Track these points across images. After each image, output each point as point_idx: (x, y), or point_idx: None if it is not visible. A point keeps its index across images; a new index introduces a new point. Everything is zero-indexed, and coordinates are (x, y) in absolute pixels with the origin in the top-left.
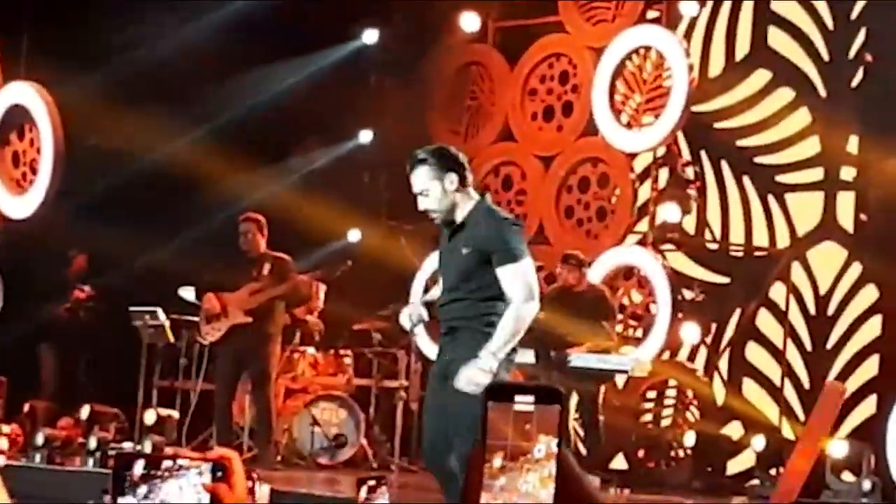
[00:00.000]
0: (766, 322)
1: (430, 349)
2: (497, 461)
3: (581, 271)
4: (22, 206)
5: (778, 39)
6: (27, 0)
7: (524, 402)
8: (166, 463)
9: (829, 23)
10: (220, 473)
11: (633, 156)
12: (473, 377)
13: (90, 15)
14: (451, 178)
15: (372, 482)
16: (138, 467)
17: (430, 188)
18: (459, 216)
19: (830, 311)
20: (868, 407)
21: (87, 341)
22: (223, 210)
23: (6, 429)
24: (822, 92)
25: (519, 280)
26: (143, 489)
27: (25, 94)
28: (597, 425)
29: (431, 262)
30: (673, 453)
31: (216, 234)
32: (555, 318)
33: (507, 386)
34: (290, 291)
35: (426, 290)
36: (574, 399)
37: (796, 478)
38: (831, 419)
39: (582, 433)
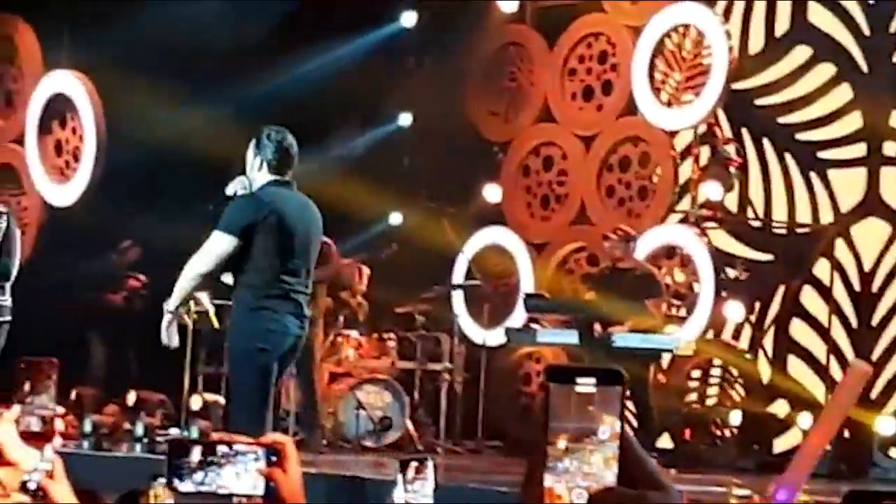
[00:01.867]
0: (810, 299)
1: (474, 331)
2: (560, 443)
3: (628, 246)
4: (65, 194)
5: (818, 15)
6: None
7: (586, 385)
8: (222, 449)
9: None
10: (274, 458)
11: (673, 134)
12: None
13: (130, 1)
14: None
15: (415, 463)
16: (195, 454)
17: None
18: None
19: (875, 287)
20: None
21: (141, 329)
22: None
23: (61, 410)
24: (864, 67)
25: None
26: (200, 475)
27: (67, 82)
28: (648, 406)
29: (472, 244)
30: (718, 432)
31: None
32: (600, 297)
33: (569, 369)
34: (334, 275)
35: None
36: None
37: (810, 459)
38: (852, 400)
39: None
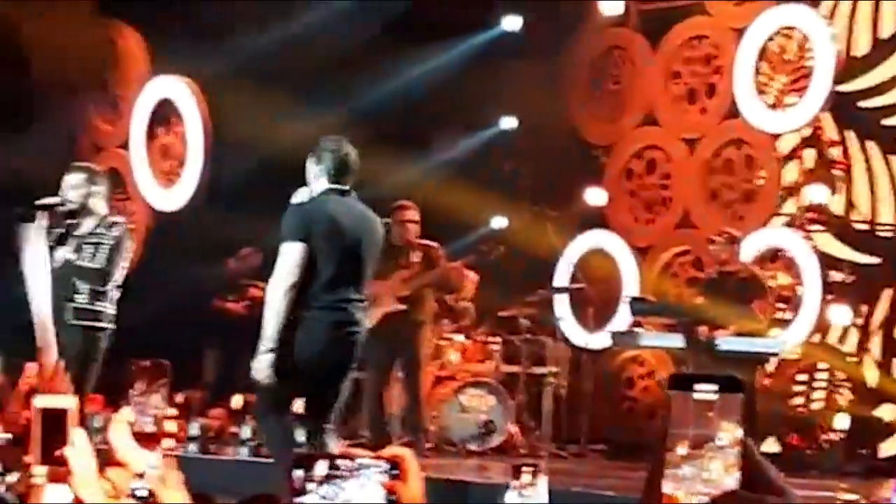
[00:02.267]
0: None
1: (578, 335)
2: (680, 450)
3: (733, 248)
4: (170, 198)
5: None
6: None
7: (706, 391)
8: (346, 463)
9: None
10: (395, 472)
11: (777, 137)
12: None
13: (233, 5)
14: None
15: (529, 470)
16: (320, 468)
17: None
18: None
19: None
20: None
21: (251, 334)
22: (368, 198)
23: (173, 411)
24: None
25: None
26: (325, 489)
27: (173, 87)
28: (753, 410)
29: (575, 248)
30: (824, 436)
31: None
32: (706, 300)
33: (689, 376)
34: (441, 279)
35: None
36: None
37: None
38: None
39: None
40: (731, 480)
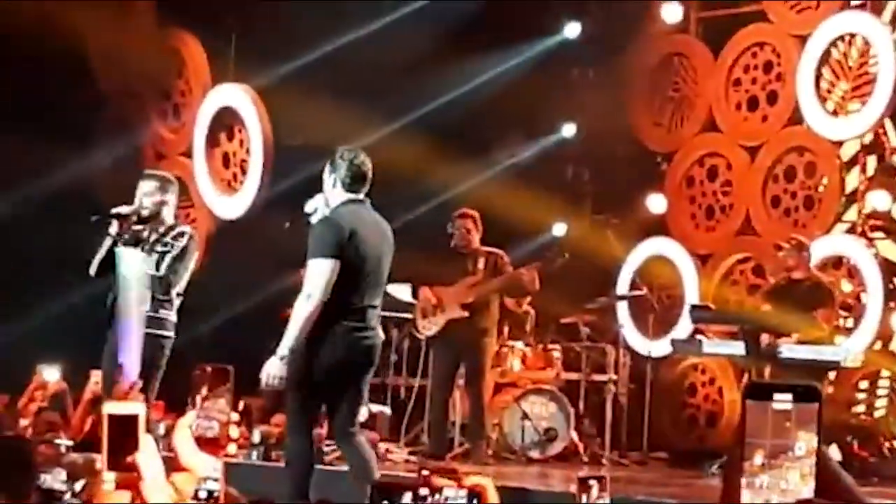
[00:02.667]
0: None
1: (639, 342)
2: (757, 459)
3: (801, 255)
4: (233, 206)
5: None
6: (234, 1)
7: (782, 401)
8: (426, 491)
9: None
10: (475, 501)
11: (839, 143)
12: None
13: (295, 13)
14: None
15: (593, 482)
16: (406, 498)
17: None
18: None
19: None
20: None
21: None
22: (429, 205)
23: (236, 416)
24: None
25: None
26: None
27: (235, 95)
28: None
29: (636, 255)
30: (887, 444)
31: (425, 230)
32: (773, 308)
33: (766, 385)
34: (508, 285)
35: None
36: None
37: None
38: None
39: None
40: (808, 490)
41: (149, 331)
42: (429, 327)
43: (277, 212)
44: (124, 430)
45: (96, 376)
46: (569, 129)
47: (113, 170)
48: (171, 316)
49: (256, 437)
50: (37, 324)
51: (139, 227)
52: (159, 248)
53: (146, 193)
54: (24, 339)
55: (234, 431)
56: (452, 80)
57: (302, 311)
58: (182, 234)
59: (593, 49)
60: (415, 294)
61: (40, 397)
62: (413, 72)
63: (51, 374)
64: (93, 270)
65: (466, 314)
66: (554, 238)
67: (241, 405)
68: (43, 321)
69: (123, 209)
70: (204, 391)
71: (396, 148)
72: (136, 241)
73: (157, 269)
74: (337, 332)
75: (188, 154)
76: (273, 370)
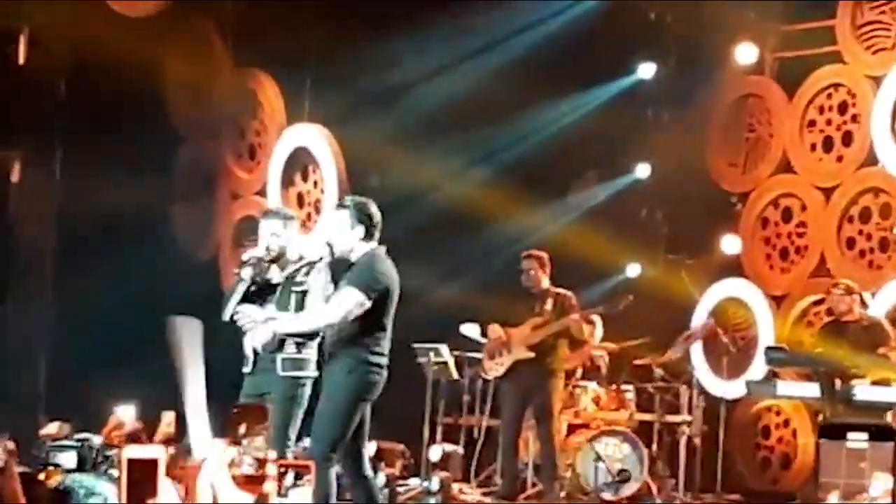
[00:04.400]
0: None
1: (713, 384)
2: (832, 499)
3: (851, 299)
4: (307, 246)
5: None
6: (311, 41)
7: (857, 440)
8: None
9: None
10: None
11: None
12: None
13: (372, 53)
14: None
15: None
16: None
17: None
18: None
19: None
20: None
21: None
22: (504, 246)
23: (274, 454)
24: None
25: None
26: None
27: (309, 135)
28: None
29: (712, 296)
30: None
31: (497, 271)
32: (835, 350)
33: (840, 424)
34: (563, 328)
35: None
36: None
37: None
38: None
39: None
40: None
41: (292, 374)
42: (495, 368)
43: None
44: (144, 474)
45: (168, 417)
46: (643, 170)
47: (188, 209)
48: (313, 356)
49: None
50: (115, 361)
51: (268, 267)
52: (292, 287)
53: (273, 233)
54: (102, 376)
55: (272, 469)
56: (528, 120)
57: (308, 324)
58: (309, 268)
59: (668, 89)
60: (483, 333)
61: (117, 438)
62: (488, 113)
63: (126, 414)
64: (226, 316)
65: (532, 355)
66: (626, 279)
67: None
68: (120, 359)
69: (256, 253)
70: (243, 428)
71: (473, 191)
72: (267, 284)
73: (297, 308)
74: (371, 373)
75: (262, 194)
76: (254, 315)
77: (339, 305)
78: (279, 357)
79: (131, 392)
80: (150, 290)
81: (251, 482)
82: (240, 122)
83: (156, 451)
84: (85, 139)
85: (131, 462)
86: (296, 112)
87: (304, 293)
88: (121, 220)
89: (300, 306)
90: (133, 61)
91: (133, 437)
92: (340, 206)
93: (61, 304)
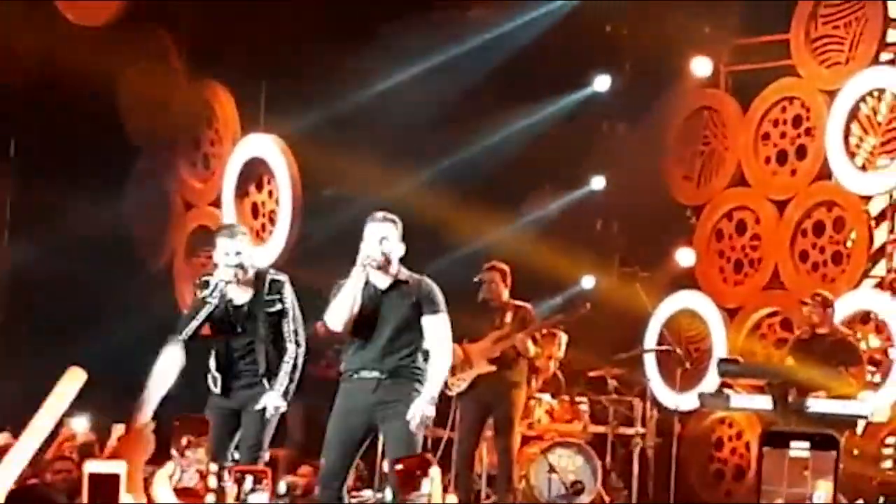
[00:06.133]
0: None
1: (666, 396)
2: None
3: (826, 311)
4: (261, 256)
5: None
6: (266, 52)
7: (800, 448)
8: None
9: None
10: None
11: (868, 198)
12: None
13: (327, 65)
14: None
15: None
16: None
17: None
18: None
19: None
20: None
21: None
22: (459, 258)
23: (215, 467)
24: None
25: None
26: None
27: (264, 145)
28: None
29: (666, 308)
30: None
31: (452, 283)
32: (798, 363)
33: (783, 433)
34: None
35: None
36: None
37: None
38: None
39: None
40: None
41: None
42: (458, 384)
43: (306, 261)
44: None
45: (119, 430)
46: (598, 182)
47: (142, 219)
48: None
49: (282, 489)
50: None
51: (226, 284)
52: (268, 308)
53: (237, 252)
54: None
55: (213, 481)
56: (483, 132)
57: (447, 362)
58: (280, 283)
59: (623, 102)
60: None
61: (69, 448)
62: (443, 124)
63: (79, 425)
64: (184, 336)
65: (493, 368)
66: (580, 291)
67: (266, 456)
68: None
69: (225, 276)
70: (184, 441)
71: (426, 200)
72: (229, 306)
73: (275, 330)
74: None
75: (217, 204)
76: (429, 412)
77: (447, 337)
78: (265, 381)
79: (83, 403)
80: (105, 299)
81: (192, 495)
82: (195, 132)
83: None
84: (39, 149)
85: (92, 477)
86: (251, 122)
87: (280, 314)
88: (74, 230)
89: (276, 329)
90: (88, 71)
91: (85, 450)
92: (389, 220)
93: (10, 310)
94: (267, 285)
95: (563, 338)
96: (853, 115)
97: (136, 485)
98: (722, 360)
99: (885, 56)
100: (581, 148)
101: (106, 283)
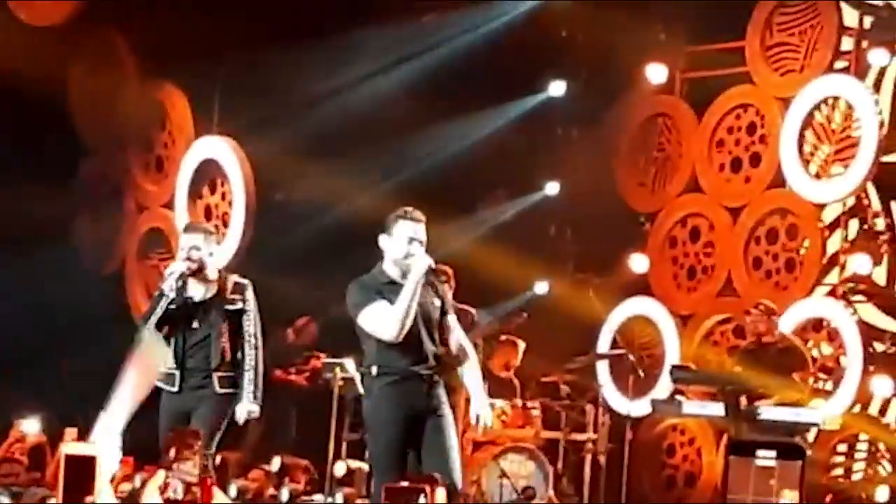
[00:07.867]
0: None
1: (619, 402)
2: None
3: (771, 320)
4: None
5: None
6: (220, 54)
7: (766, 458)
8: None
9: None
10: None
11: (822, 206)
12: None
13: (281, 67)
14: None
15: None
16: None
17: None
18: None
19: None
20: None
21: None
22: None
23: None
24: None
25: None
26: None
27: (218, 147)
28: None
29: (617, 315)
30: None
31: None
32: (746, 370)
33: (749, 442)
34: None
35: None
36: None
37: None
38: None
39: None
40: None
41: (226, 391)
42: None
43: (259, 265)
44: (82, 471)
45: (72, 434)
46: (552, 188)
47: (93, 220)
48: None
49: (233, 492)
50: (18, 376)
51: (189, 281)
52: (228, 306)
53: (193, 246)
54: (3, 390)
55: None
56: (436, 137)
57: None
58: (243, 286)
59: (578, 108)
60: None
61: (19, 450)
62: (397, 129)
63: (30, 427)
64: (150, 329)
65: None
66: (533, 296)
67: (217, 459)
68: (24, 373)
69: (179, 267)
70: (174, 452)
71: (379, 205)
72: (187, 302)
73: (235, 327)
74: None
75: (170, 206)
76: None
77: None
78: (215, 375)
79: (32, 405)
80: (52, 302)
81: None
82: (147, 133)
83: (94, 449)
84: None
85: (69, 459)
86: (204, 124)
87: (240, 313)
88: (23, 231)
89: (237, 326)
90: (39, 71)
91: (35, 451)
92: (420, 220)
93: None
94: (230, 286)
95: (522, 346)
96: (807, 122)
97: None
98: (674, 367)
99: (839, 64)
100: (535, 153)
101: (54, 286)
